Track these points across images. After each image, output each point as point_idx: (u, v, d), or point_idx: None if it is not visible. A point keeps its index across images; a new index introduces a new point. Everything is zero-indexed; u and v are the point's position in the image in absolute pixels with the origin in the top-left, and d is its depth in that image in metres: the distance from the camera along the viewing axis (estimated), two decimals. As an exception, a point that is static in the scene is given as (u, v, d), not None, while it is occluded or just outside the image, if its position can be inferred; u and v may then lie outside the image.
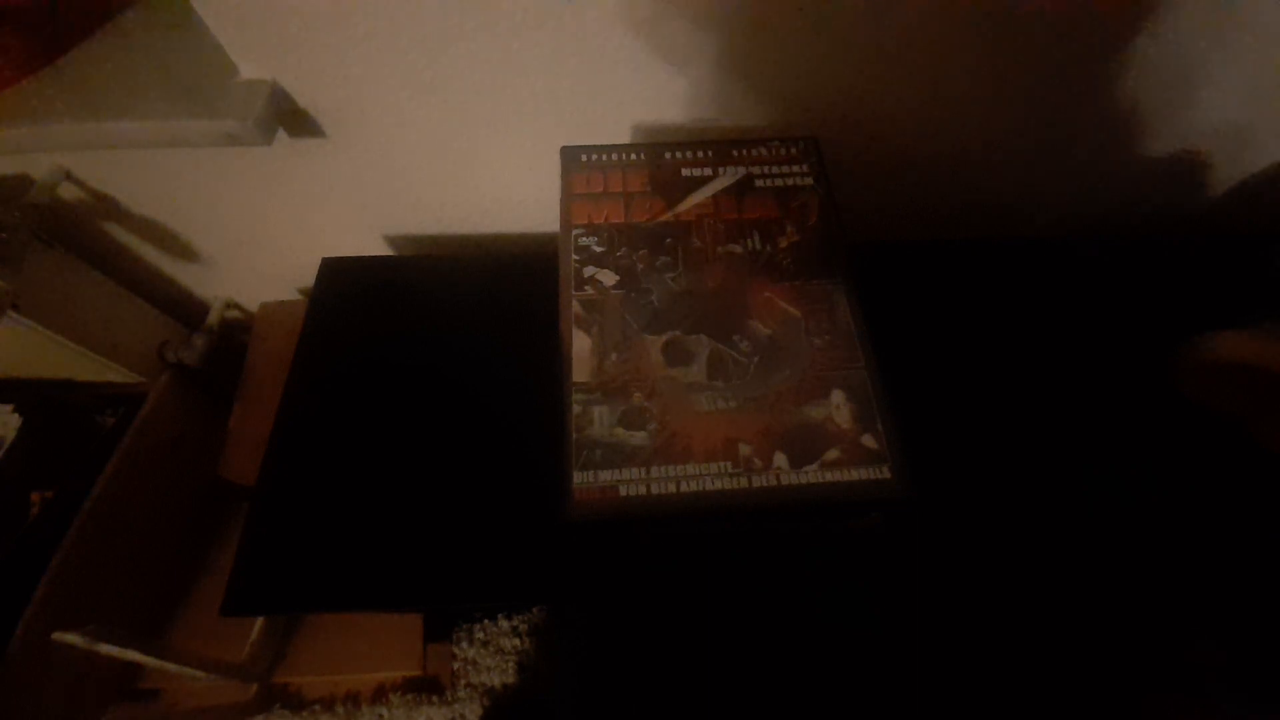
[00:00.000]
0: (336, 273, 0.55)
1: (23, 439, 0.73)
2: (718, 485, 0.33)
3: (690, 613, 0.45)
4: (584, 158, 0.45)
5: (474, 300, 0.53)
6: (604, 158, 0.44)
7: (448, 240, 0.68)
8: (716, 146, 0.45)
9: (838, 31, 0.46)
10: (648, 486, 0.33)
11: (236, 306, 0.84)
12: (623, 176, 0.43)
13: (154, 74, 0.50)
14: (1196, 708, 0.36)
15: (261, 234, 0.69)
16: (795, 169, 0.44)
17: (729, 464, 0.33)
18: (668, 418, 0.35)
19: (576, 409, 0.35)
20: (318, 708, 0.80)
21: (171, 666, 0.64)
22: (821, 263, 0.40)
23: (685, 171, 0.44)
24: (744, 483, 0.33)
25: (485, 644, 0.85)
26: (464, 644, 0.85)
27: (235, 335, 0.84)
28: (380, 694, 0.81)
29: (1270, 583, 0.38)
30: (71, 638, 0.56)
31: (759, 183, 0.43)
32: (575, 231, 0.41)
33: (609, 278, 0.39)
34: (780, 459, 0.34)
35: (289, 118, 0.52)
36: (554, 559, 0.42)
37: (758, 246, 0.41)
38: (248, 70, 0.49)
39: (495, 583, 0.42)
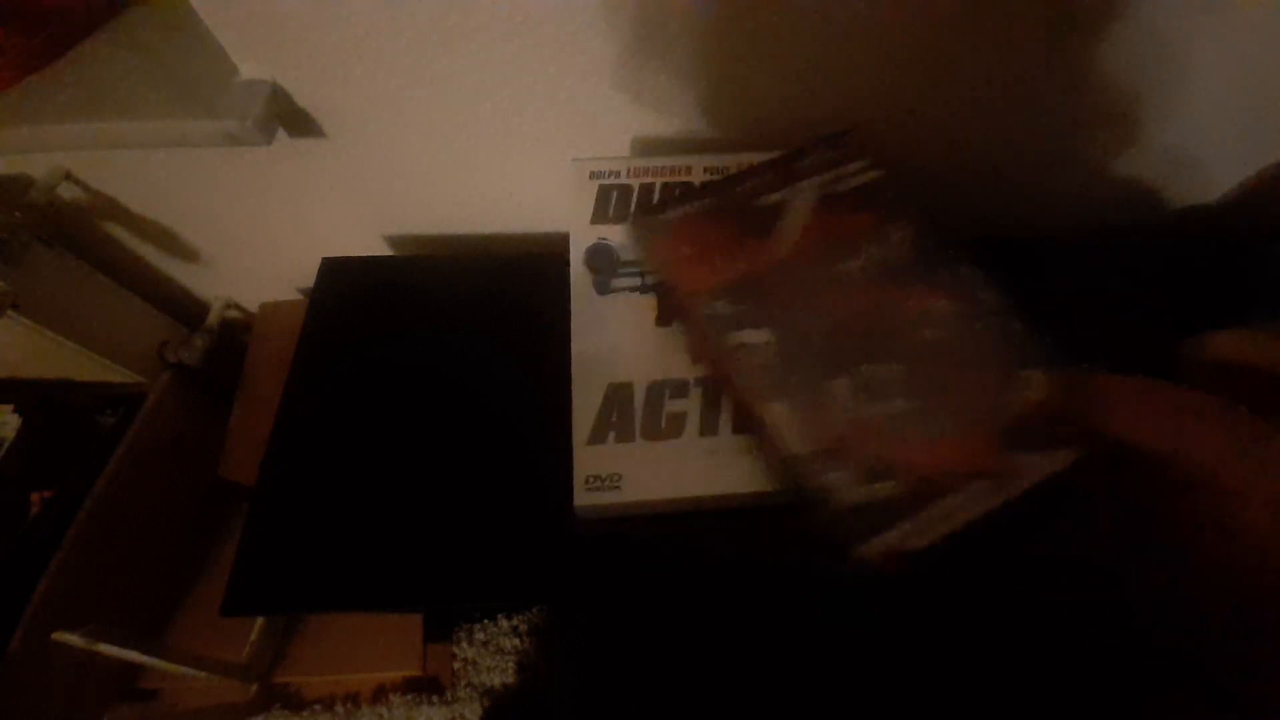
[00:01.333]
0: (336, 273, 0.55)
1: (23, 439, 0.73)
2: (983, 506, 0.31)
3: (691, 614, 0.45)
4: (663, 213, 0.41)
5: (474, 300, 0.53)
6: (677, 210, 0.41)
7: (448, 240, 0.68)
8: (775, 168, 0.42)
9: (836, 39, 0.46)
10: (928, 529, 0.31)
11: (236, 306, 0.84)
12: (702, 226, 0.41)
13: (154, 74, 0.50)
14: (1197, 708, 0.36)
15: (261, 234, 0.69)
16: (856, 165, 0.42)
17: (985, 482, 0.31)
18: (897, 456, 0.33)
19: (818, 482, 0.32)
20: (318, 708, 0.80)
21: (171, 666, 0.64)
22: (936, 250, 0.38)
23: (759, 201, 0.41)
24: (1009, 493, 0.31)
25: (485, 644, 0.85)
26: (464, 644, 0.85)
27: (235, 335, 0.84)
28: (380, 694, 0.81)
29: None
30: (71, 638, 0.56)
31: (837, 187, 0.41)
32: (702, 307, 0.37)
33: (758, 336, 0.36)
34: (1021, 456, 0.32)
35: (289, 118, 0.52)
36: (554, 559, 0.42)
37: (875, 255, 0.38)
38: (248, 70, 0.49)
39: (496, 583, 0.42)
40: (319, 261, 0.56)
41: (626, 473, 0.38)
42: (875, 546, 0.31)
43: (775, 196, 0.41)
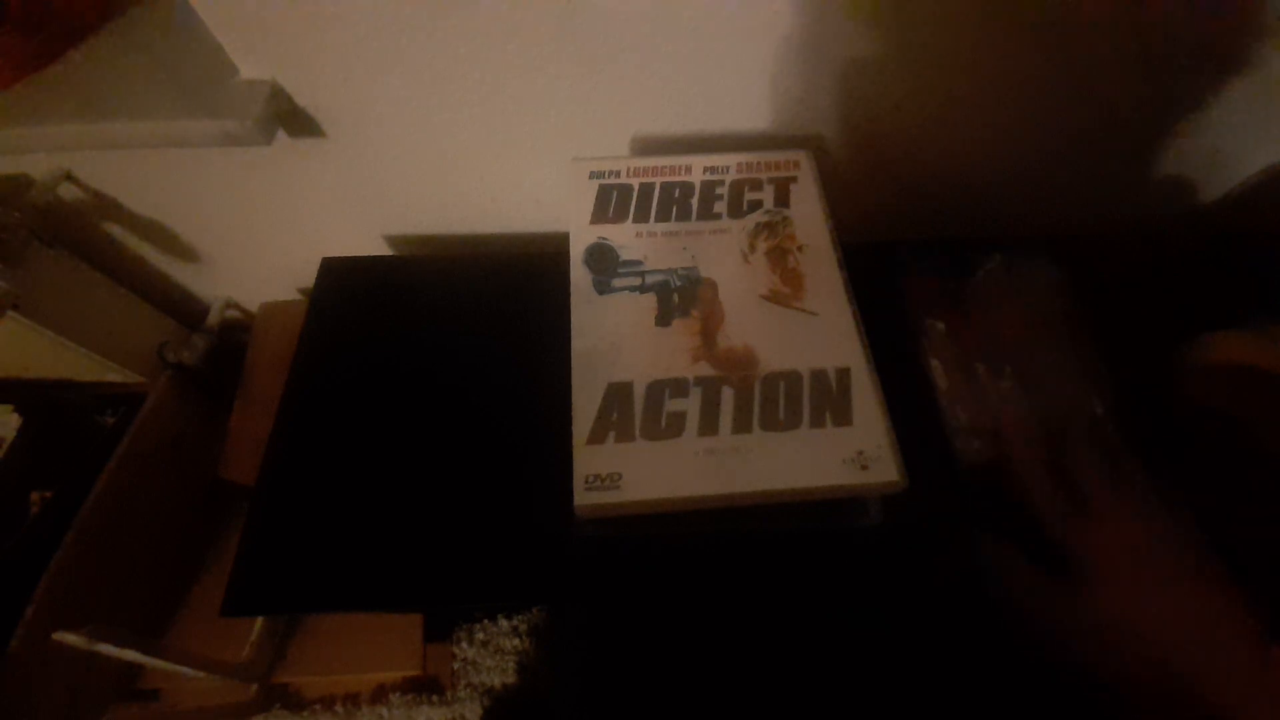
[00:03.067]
0: (336, 273, 0.55)
1: (23, 439, 0.73)
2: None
3: (692, 613, 0.45)
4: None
5: (475, 300, 0.53)
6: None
7: (448, 240, 0.68)
8: None
9: (837, 34, 0.46)
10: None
11: (236, 306, 0.84)
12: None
13: (154, 74, 0.50)
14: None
15: (262, 234, 0.69)
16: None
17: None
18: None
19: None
20: (318, 708, 0.80)
21: (171, 666, 0.64)
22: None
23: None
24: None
25: (485, 644, 0.85)
26: (464, 644, 0.85)
27: (235, 335, 0.84)
28: (380, 694, 0.81)
29: (1266, 585, 0.38)
30: (71, 638, 0.56)
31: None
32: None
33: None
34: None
35: (289, 118, 0.52)
36: (554, 559, 0.42)
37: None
38: (248, 70, 0.49)
39: (496, 583, 0.42)
40: (319, 261, 0.56)
41: (626, 472, 0.38)
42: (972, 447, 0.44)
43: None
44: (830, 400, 0.40)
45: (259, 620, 0.74)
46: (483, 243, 0.68)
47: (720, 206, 0.48)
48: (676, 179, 0.50)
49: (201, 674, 0.67)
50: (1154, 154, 0.59)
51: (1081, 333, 0.48)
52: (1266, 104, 0.53)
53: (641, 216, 0.48)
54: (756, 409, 0.40)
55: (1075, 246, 0.55)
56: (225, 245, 0.72)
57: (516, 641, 0.85)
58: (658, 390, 0.40)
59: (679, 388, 0.40)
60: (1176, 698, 0.30)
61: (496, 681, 0.82)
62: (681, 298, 0.44)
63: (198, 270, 0.76)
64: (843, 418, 0.39)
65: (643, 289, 0.45)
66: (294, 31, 0.46)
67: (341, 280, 0.55)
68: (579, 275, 0.45)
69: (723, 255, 0.46)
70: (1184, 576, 0.33)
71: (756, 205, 0.49)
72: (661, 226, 0.47)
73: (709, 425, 0.39)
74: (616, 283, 0.45)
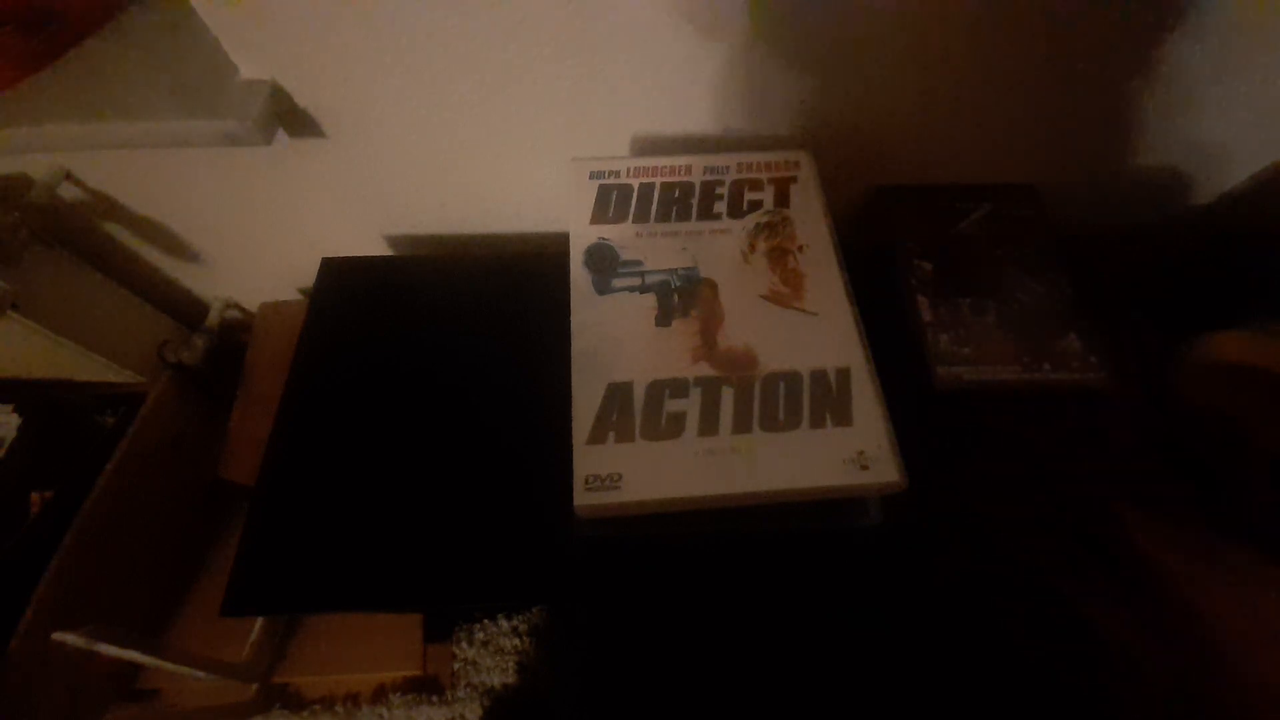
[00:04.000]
0: (336, 273, 0.55)
1: (23, 439, 0.73)
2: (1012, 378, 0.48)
3: (692, 613, 0.46)
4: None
5: (474, 300, 0.53)
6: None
7: (448, 240, 0.68)
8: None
9: (837, 35, 0.46)
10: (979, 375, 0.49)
11: (236, 306, 0.84)
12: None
13: (154, 74, 0.50)
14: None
15: (261, 234, 0.69)
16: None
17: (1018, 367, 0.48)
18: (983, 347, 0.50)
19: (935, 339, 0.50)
20: (318, 708, 0.80)
21: (171, 666, 0.64)
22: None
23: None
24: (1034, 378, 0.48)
25: (485, 644, 0.85)
26: (464, 644, 0.85)
27: (235, 335, 0.84)
28: (380, 694, 0.81)
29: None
30: (71, 638, 0.56)
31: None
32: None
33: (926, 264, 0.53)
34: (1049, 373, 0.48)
35: (289, 118, 0.52)
36: (554, 559, 0.42)
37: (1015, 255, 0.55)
38: (248, 70, 0.49)
39: (496, 583, 0.42)
40: (319, 261, 0.56)
41: (626, 473, 0.38)
42: (951, 371, 0.48)
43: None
44: (830, 400, 0.40)
45: (259, 620, 0.74)
46: (483, 243, 0.67)
47: (720, 207, 0.49)
48: (676, 179, 0.50)
49: (201, 674, 0.67)
50: (1154, 154, 0.59)
51: (1060, 270, 0.52)
52: (1267, 104, 0.53)
53: (641, 216, 0.48)
54: (756, 409, 0.40)
55: (1075, 246, 0.55)
56: (225, 245, 0.72)
57: (516, 641, 0.85)
58: (658, 390, 0.40)
59: (679, 388, 0.41)
60: None
61: (496, 681, 0.82)
62: (681, 298, 0.44)
63: (198, 270, 0.76)
64: (843, 418, 0.39)
65: (643, 289, 0.45)
66: (294, 31, 0.46)
67: (341, 280, 0.55)
68: (579, 275, 0.45)
69: (723, 255, 0.46)
70: None
71: (756, 205, 0.49)
72: (661, 226, 0.47)
73: (709, 425, 0.39)
74: (616, 283, 0.45)
